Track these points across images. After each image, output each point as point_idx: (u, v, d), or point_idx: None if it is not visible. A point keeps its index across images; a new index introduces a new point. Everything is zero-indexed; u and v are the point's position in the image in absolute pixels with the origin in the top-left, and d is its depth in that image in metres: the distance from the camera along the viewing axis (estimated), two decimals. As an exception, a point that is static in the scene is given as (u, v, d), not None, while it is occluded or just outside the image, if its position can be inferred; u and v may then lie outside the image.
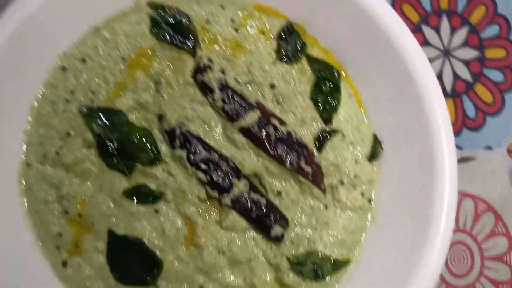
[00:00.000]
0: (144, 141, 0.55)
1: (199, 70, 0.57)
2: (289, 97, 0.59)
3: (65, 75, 0.56)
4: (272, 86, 0.59)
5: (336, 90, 0.61)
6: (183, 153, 0.55)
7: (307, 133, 0.59)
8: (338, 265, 0.59)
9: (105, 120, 0.55)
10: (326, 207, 0.59)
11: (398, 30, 0.58)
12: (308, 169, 0.58)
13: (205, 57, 0.58)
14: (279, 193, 0.58)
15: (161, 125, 0.56)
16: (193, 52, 0.58)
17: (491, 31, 0.73)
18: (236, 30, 0.60)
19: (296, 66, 0.61)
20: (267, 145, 0.57)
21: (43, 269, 0.54)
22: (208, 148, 0.56)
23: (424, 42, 0.73)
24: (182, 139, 0.56)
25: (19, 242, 0.53)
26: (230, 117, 0.57)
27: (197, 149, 0.56)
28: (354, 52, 0.61)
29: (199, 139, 0.56)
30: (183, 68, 0.57)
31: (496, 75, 0.73)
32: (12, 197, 0.54)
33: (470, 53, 0.73)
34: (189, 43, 0.58)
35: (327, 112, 0.60)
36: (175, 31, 0.58)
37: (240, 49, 0.60)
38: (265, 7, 0.61)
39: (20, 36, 0.53)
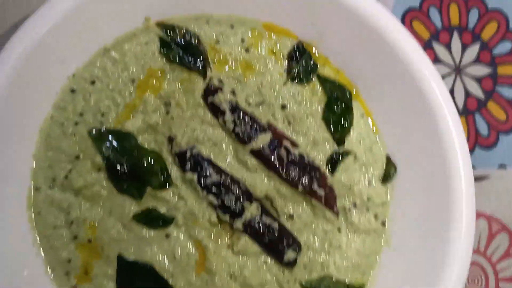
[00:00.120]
0: (155, 164, 0.55)
1: (210, 91, 0.57)
2: (301, 118, 0.58)
3: (74, 97, 0.55)
4: (283, 107, 0.58)
5: (348, 111, 0.60)
6: (194, 176, 0.55)
7: (319, 155, 0.58)
8: (352, 289, 0.58)
9: (114, 143, 0.55)
10: (339, 230, 0.58)
11: (410, 48, 0.58)
12: (321, 191, 0.57)
13: (215, 78, 0.57)
14: (291, 216, 0.57)
15: (171, 148, 0.55)
16: (203, 73, 0.57)
17: (503, 47, 0.72)
18: (247, 50, 0.59)
19: (307, 86, 0.60)
20: (279, 167, 0.56)
21: (53, 295, 0.53)
22: (219, 171, 0.55)
23: (435, 59, 0.72)
24: (192, 161, 0.55)
25: (29, 268, 0.52)
26: (241, 139, 0.56)
27: (208, 172, 0.55)
28: (366, 71, 0.61)
29: (210, 161, 0.55)
30: (193, 89, 0.57)
31: (509, 92, 0.72)
32: (21, 222, 0.53)
33: (482, 70, 0.72)
34: (199, 64, 0.57)
35: (339, 133, 0.59)
36: (184, 52, 0.57)
37: (250, 70, 0.59)
38: (275, 26, 0.60)
39: (29, 58, 0.52)
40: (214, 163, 0.56)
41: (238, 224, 0.55)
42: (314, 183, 0.57)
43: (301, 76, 0.60)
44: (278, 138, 0.57)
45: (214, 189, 0.55)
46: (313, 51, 0.61)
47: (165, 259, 0.54)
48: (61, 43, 0.54)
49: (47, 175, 0.54)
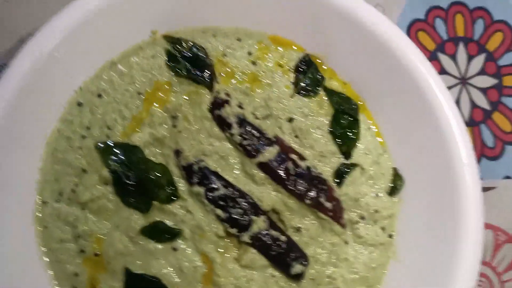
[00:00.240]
0: (162, 177, 0.55)
1: (217, 104, 0.57)
2: (308, 130, 0.58)
3: (81, 110, 0.55)
4: (290, 120, 0.58)
5: (355, 123, 0.60)
6: (201, 190, 0.55)
7: (326, 168, 0.58)
8: (359, 302, 0.58)
9: (121, 156, 0.55)
10: (346, 243, 0.58)
11: (416, 59, 0.58)
12: (328, 204, 0.57)
13: (222, 91, 0.57)
14: (298, 229, 0.57)
15: (178, 161, 0.55)
16: (210, 86, 0.57)
17: (509, 58, 0.72)
18: (253, 63, 0.59)
19: (314, 99, 0.60)
20: (286, 180, 0.56)
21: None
22: (226, 184, 0.55)
23: (441, 70, 0.72)
24: (199, 175, 0.55)
25: (36, 282, 0.52)
26: (249, 152, 0.56)
27: (215, 185, 0.55)
28: (372, 84, 0.60)
29: (217, 175, 0.55)
30: (200, 102, 0.57)
31: (514, 103, 0.72)
32: (28, 236, 0.53)
33: (487, 81, 0.72)
34: (206, 77, 0.57)
35: (346, 146, 0.59)
36: (191, 64, 0.57)
37: (257, 83, 0.59)
38: (282, 39, 0.60)
39: (36, 72, 0.52)
40: (221, 176, 0.56)
41: (245, 237, 0.55)
42: (321, 196, 0.57)
43: (308, 89, 0.60)
44: (285, 151, 0.57)
45: (221, 202, 0.55)
46: (320, 64, 0.61)
47: (172, 272, 0.54)
48: (68, 57, 0.53)
49: (54, 189, 0.54)
